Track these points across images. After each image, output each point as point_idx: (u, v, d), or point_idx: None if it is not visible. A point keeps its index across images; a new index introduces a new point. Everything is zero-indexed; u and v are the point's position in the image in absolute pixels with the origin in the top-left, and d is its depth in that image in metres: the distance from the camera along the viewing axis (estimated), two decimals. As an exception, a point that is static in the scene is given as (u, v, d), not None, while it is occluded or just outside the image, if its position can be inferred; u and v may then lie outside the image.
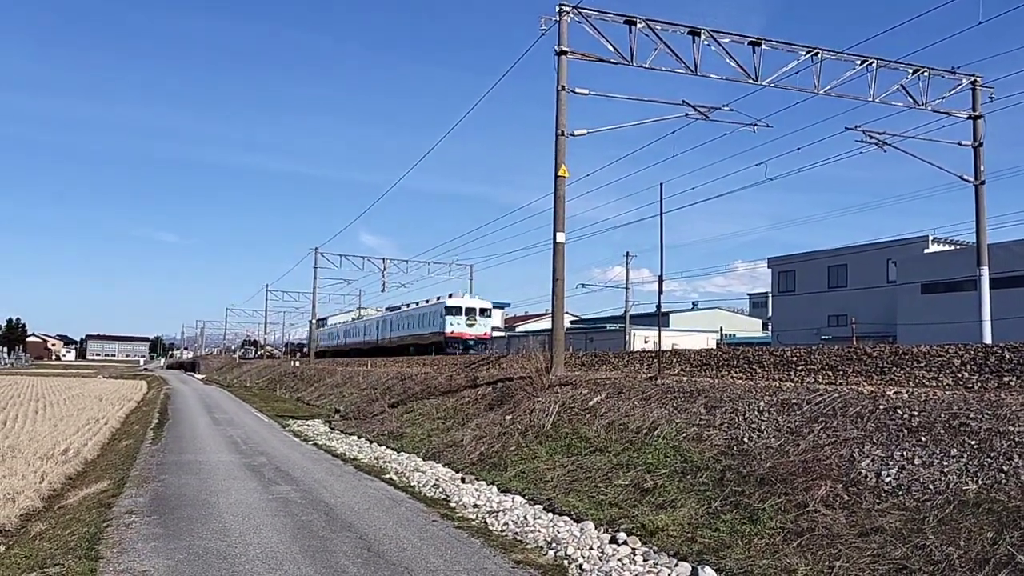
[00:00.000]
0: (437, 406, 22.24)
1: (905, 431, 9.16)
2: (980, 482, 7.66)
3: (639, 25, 20.10)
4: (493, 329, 54.73)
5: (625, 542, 8.86)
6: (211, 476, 14.54)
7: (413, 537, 9.58)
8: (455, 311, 48.49)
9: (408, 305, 59.49)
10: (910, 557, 7.06)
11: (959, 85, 23.97)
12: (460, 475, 14.49)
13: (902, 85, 22.93)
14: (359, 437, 22.05)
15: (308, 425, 26.55)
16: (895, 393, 10.36)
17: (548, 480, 12.75)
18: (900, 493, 8.16)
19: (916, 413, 9.37)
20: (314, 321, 71.38)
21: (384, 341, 61.27)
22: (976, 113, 24.32)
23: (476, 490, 12.87)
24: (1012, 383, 10.27)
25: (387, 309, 67.42)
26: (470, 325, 48.07)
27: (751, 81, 21.45)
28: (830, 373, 13.49)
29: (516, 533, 9.80)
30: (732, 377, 15.65)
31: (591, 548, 8.78)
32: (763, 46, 21.32)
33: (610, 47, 20.12)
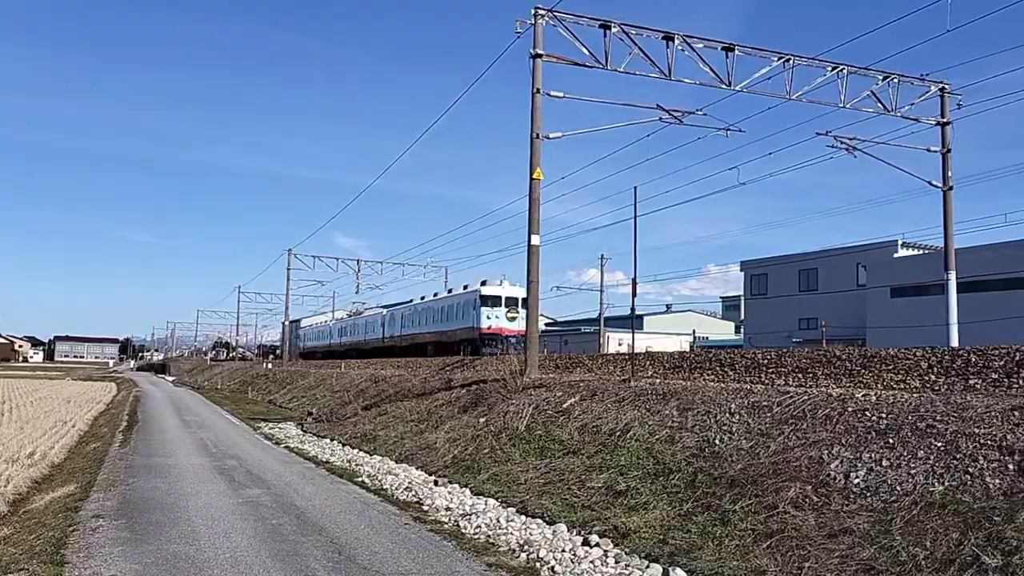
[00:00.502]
0: (411, 408, 22.16)
1: (873, 433, 9.27)
2: (946, 483, 7.77)
3: (613, 29, 20.20)
4: None
5: (597, 544, 8.88)
6: (180, 479, 14.37)
7: (385, 540, 9.53)
8: (493, 301, 38.92)
9: (424, 297, 51.03)
10: (877, 558, 7.15)
11: (928, 92, 24.36)
12: (433, 478, 14.44)
13: (872, 91, 23.25)
14: (331, 440, 21.91)
15: (280, 428, 26.32)
16: (863, 395, 10.49)
17: (521, 483, 12.74)
18: (868, 494, 8.26)
19: (884, 415, 9.49)
20: (287, 323, 70.87)
21: (393, 339, 53.59)
22: (944, 120, 24.71)
23: (449, 493, 12.83)
24: (978, 386, 10.43)
25: (383, 307, 60.70)
26: (512, 318, 38.08)
27: (724, 86, 21.64)
28: (800, 375, 13.63)
29: (489, 536, 9.79)
30: (704, 379, 15.76)
31: (563, 550, 8.79)
32: (736, 52, 21.52)
33: (585, 51, 20.21)
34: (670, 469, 10.94)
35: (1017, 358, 10.49)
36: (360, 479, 14.79)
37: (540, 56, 19.49)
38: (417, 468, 15.82)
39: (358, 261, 60.40)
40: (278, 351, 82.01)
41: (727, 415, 11.83)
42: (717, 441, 11.19)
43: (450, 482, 13.86)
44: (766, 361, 15.10)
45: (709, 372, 16.34)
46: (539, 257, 19.62)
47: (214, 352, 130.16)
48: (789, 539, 8.07)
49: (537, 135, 19.52)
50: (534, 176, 19.48)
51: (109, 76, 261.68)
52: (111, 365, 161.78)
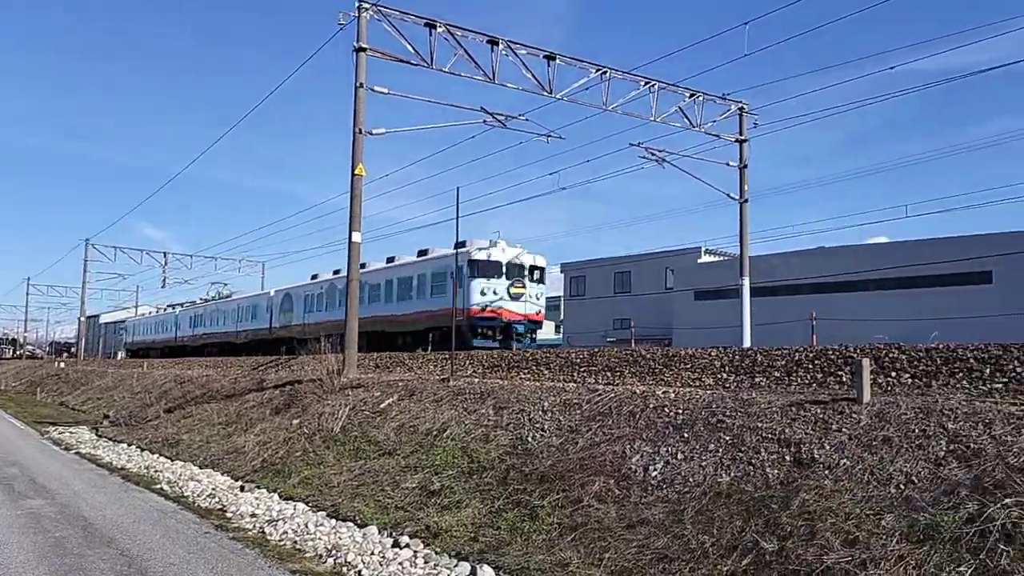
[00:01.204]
0: (219, 411, 21.09)
1: (671, 428, 9.82)
2: (732, 474, 8.37)
3: (439, 29, 20.21)
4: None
5: (407, 545, 8.82)
6: (-54, 493, 12.87)
7: (181, 551, 8.98)
8: (490, 270, 26.78)
9: (338, 272, 35.11)
10: (670, 546, 7.57)
11: (729, 110, 26.25)
12: (240, 483, 13.81)
13: (680, 107, 24.73)
14: (129, 445, 20.43)
15: (71, 432, 24.22)
16: (663, 393, 11.10)
17: (334, 486, 12.44)
18: (664, 486, 8.74)
19: (681, 411, 10.09)
20: (83, 319, 65.41)
21: (285, 329, 39.40)
22: (742, 137, 26.72)
23: (256, 498, 12.31)
24: (762, 383, 11.33)
25: (279, 290, 43.40)
26: (516, 296, 26.61)
27: (546, 93, 22.24)
28: (609, 374, 14.23)
29: (295, 542, 9.48)
30: (521, 378, 16.10)
31: (372, 553, 8.66)
32: (557, 61, 22.17)
33: (410, 48, 20.09)
34: (484, 467, 11.08)
35: (796, 358, 11.50)
36: (159, 486, 13.89)
37: (364, 50, 19.16)
38: (223, 473, 15.07)
39: (164, 254, 56.92)
40: (73, 349, 75.46)
41: (540, 413, 12.14)
42: (530, 438, 11.46)
43: (258, 487, 13.31)
44: (579, 360, 15.64)
45: (526, 371, 16.71)
46: (360, 254, 19.29)
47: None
48: (592, 531, 8.39)
49: (360, 130, 19.18)
50: (356, 172, 19.14)
51: None
52: None
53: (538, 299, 27.52)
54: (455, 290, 24.34)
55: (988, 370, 9.15)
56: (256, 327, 44.26)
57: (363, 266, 31.63)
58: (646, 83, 23.82)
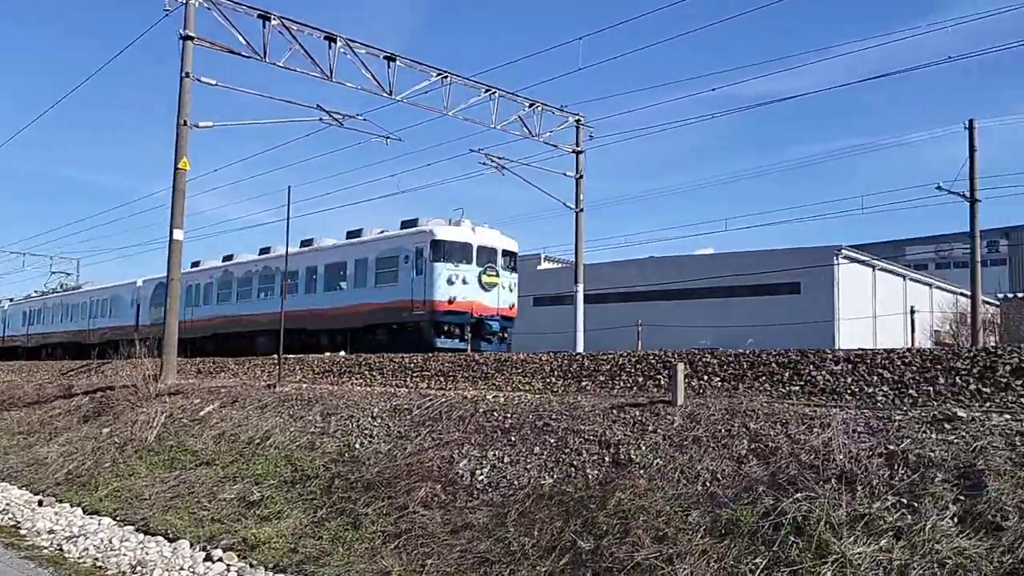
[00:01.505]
0: (19, 419, 19.31)
1: (499, 432, 9.91)
2: (555, 476, 8.54)
3: (273, 22, 19.54)
4: None
5: (220, 559, 8.40)
6: None
7: (-40, 576, 8.12)
8: (458, 254, 21.90)
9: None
10: (492, 549, 7.62)
11: (566, 121, 27.01)
12: (39, 497, 12.69)
13: (519, 116, 25.18)
14: (-91, 459, 18.29)
15: None
16: (494, 397, 11.20)
17: (146, 498, 11.66)
18: (490, 490, 8.80)
19: (509, 415, 10.20)
20: None
21: (210, 323, 30.19)
22: (579, 148, 27.57)
23: (56, 513, 11.35)
24: (589, 387, 11.67)
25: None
26: (489, 286, 22.07)
27: (385, 94, 21.99)
28: (442, 379, 14.20)
29: (97, 559, 8.81)
30: (353, 383, 15.78)
31: (182, 568, 8.19)
32: (397, 62, 21.97)
33: (242, 39, 19.29)
34: (308, 476, 10.74)
35: (620, 363, 11.92)
36: (-59, 505, 12.51)
37: (191, 39, 18.19)
38: (20, 487, 13.81)
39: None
40: None
41: (370, 419, 11.93)
42: (358, 445, 11.23)
43: (60, 501, 12.29)
44: (413, 365, 15.51)
45: (358, 376, 16.39)
46: (182, 253, 18.28)
47: None
48: (416, 538, 8.31)
49: (185, 122, 18.18)
50: (180, 166, 18.10)
51: None
52: None
53: (511, 291, 22.93)
54: (409, 278, 20.76)
55: (788, 374, 9.85)
56: (116, 324, 36.59)
57: (267, 250, 28.54)
58: (487, 90, 24.08)
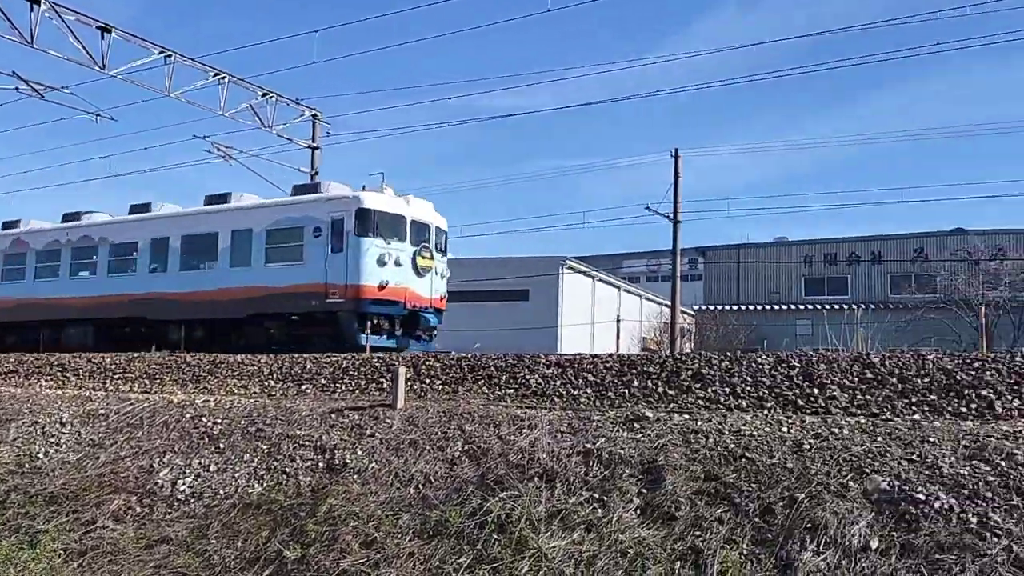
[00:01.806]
0: None
1: (207, 439, 9.32)
2: (265, 484, 8.17)
3: (-41, -31, 16.92)
4: None
5: None
6: None
7: None
8: (390, 228, 17.24)
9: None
10: (190, 564, 7.13)
11: (302, 115, 26.17)
12: None
13: (251, 105, 23.98)
14: None
15: None
16: (204, 401, 10.53)
17: None
18: (193, 501, 8.22)
19: (219, 421, 9.63)
20: None
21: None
22: (315, 144, 26.84)
23: None
24: (309, 391, 11.30)
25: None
26: (424, 271, 17.64)
27: (98, 68, 19.87)
28: (148, 382, 13.07)
29: None
30: (42, 385, 14.07)
31: None
32: (113, 34, 19.96)
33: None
34: (-25, 491, 9.38)
35: (343, 366, 11.69)
36: None
37: None
38: None
39: None
40: None
41: (58, 425, 10.75)
42: (41, 455, 10.07)
43: None
44: (114, 366, 14.12)
45: (48, 377, 14.61)
46: None
47: None
48: (104, 555, 7.58)
49: None
50: None
51: None
52: None
53: (443, 278, 18.66)
54: (322, 256, 16.65)
55: (504, 377, 10.24)
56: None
57: (74, 216, 21.94)
58: (216, 74, 22.62)
